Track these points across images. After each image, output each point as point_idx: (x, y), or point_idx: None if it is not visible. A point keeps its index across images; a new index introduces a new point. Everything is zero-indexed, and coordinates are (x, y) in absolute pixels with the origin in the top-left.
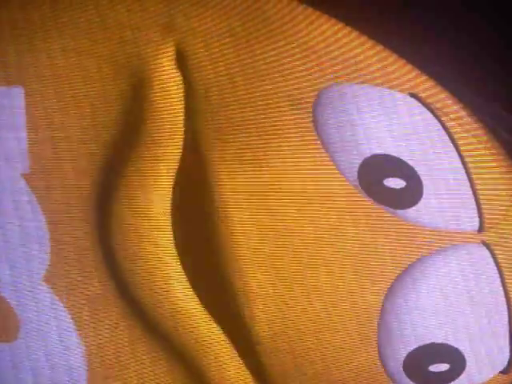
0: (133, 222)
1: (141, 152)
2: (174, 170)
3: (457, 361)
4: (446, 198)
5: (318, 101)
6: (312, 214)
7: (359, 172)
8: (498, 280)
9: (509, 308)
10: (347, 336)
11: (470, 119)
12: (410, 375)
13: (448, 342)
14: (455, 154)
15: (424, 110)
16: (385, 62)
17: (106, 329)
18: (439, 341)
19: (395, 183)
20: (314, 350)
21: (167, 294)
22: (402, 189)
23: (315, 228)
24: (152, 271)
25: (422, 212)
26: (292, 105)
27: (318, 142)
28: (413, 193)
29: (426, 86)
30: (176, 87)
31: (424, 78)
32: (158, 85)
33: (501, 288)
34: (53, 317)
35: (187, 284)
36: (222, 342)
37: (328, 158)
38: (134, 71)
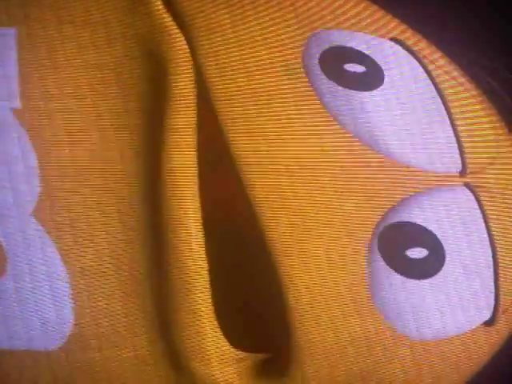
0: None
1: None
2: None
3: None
4: (429, 139)
5: (307, 45)
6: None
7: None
8: (482, 223)
9: (493, 251)
10: (339, 273)
11: (450, 66)
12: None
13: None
14: (438, 98)
15: (406, 53)
16: (368, 10)
17: (91, 260)
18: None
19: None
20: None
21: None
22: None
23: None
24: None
25: (408, 151)
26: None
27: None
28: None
29: (407, 34)
30: (184, 58)
31: (404, 26)
32: (168, 57)
33: (485, 232)
34: (41, 251)
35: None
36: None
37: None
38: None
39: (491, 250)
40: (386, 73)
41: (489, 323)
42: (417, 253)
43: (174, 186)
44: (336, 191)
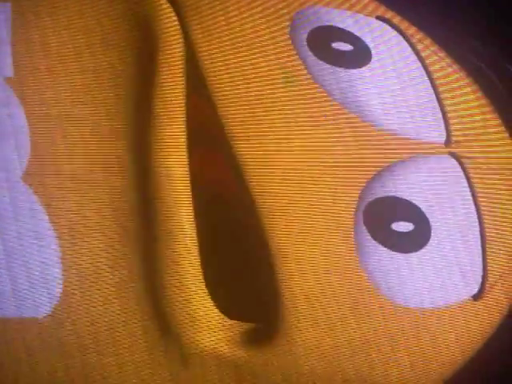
0: None
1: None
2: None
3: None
4: (415, 109)
5: (294, 22)
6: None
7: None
8: (469, 195)
9: (480, 224)
10: (327, 241)
11: (435, 46)
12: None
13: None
14: (425, 74)
15: (392, 30)
16: None
17: (78, 222)
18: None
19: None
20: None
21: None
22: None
23: (302, 141)
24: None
25: (394, 120)
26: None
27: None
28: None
29: (390, 14)
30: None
31: (384, 8)
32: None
33: (472, 204)
34: (29, 212)
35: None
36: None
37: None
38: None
39: (478, 223)
40: (373, 51)
41: (476, 297)
42: (403, 227)
43: (164, 155)
44: (323, 157)
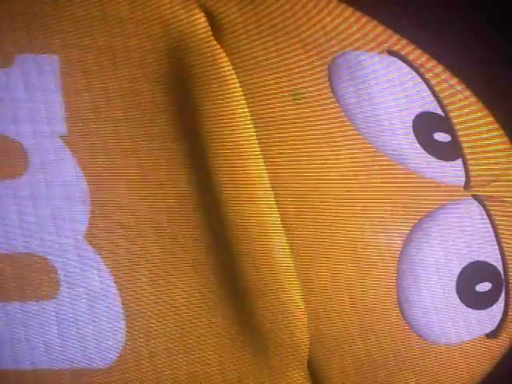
0: None
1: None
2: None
3: None
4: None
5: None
6: (337, 174)
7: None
8: (492, 234)
9: (504, 264)
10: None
11: (447, 74)
12: None
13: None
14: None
15: (404, 65)
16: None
17: (144, 283)
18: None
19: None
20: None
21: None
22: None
23: (339, 187)
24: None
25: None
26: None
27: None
28: None
29: (402, 43)
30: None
31: (398, 36)
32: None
33: (495, 243)
34: (96, 275)
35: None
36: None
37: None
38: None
39: (502, 263)
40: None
41: (492, 335)
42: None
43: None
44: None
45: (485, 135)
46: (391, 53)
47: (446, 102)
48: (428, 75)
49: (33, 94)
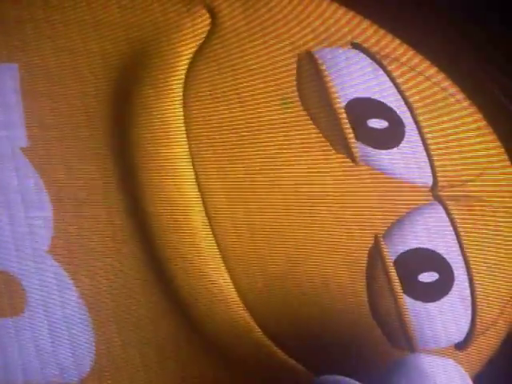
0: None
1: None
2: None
3: None
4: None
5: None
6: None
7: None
8: (454, 238)
9: (468, 272)
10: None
11: (425, 64)
12: None
13: None
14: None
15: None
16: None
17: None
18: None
19: (379, 124)
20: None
21: (187, 224)
22: (385, 129)
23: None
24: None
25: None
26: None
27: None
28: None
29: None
30: None
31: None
32: None
33: (458, 248)
34: (57, 289)
35: (206, 212)
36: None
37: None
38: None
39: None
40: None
41: (460, 347)
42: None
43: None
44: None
45: (459, 129)
46: (354, 46)
47: (409, 93)
48: (392, 66)
49: None
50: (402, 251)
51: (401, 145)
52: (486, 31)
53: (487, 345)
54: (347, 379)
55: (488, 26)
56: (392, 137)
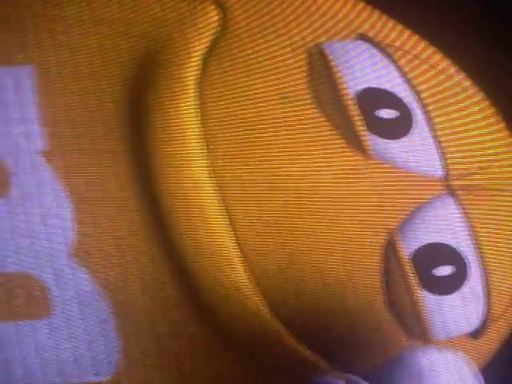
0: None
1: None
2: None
3: None
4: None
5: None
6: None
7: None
8: (467, 230)
9: (482, 263)
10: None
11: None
12: None
13: None
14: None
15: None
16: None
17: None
18: None
19: (389, 114)
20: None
21: (203, 220)
22: (395, 119)
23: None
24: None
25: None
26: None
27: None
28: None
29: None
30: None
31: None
32: None
33: (470, 240)
34: (86, 290)
35: (221, 207)
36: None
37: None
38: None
39: (477, 256)
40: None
41: (473, 336)
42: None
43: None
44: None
45: (467, 120)
46: (363, 37)
47: (416, 81)
48: (399, 56)
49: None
50: (417, 247)
51: (411, 134)
52: (491, 16)
53: (498, 334)
54: (347, 379)
55: (493, 11)
56: (402, 126)
